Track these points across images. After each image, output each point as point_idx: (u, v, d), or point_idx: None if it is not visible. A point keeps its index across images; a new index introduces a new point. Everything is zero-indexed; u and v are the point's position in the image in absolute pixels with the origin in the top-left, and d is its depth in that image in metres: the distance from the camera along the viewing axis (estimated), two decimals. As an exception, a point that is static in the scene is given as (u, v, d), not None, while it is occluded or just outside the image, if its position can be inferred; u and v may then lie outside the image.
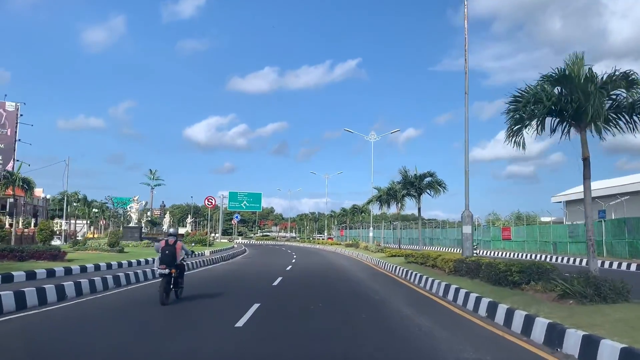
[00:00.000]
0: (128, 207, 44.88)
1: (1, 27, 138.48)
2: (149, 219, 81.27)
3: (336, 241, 72.21)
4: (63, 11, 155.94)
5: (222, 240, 72.38)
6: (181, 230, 76.44)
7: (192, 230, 66.45)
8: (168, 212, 76.22)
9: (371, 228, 42.69)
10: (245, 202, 71.39)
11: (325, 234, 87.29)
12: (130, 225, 41.22)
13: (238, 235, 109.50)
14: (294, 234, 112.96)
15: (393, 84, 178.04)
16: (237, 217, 68.52)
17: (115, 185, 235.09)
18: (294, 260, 31.81)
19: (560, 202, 65.14)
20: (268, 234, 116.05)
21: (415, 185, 26.44)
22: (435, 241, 62.21)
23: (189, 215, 79.92)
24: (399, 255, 28.00)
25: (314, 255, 40.87)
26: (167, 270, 10.47)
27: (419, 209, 26.42)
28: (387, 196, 31.28)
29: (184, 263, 11.83)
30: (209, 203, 33.31)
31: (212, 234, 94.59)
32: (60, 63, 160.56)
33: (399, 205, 30.35)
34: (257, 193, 72.04)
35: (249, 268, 24.64)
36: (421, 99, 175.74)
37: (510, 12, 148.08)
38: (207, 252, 32.17)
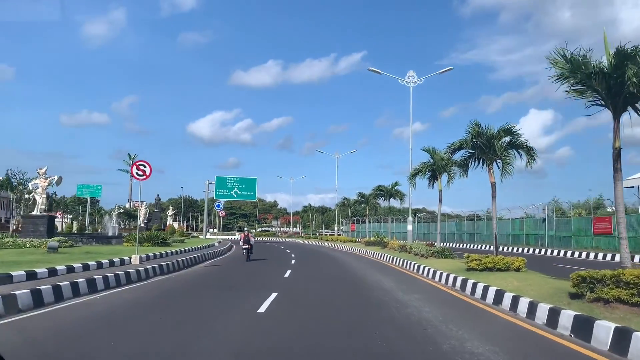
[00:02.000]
0: (30, 184, 29.02)
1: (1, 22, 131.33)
2: (122, 210, 67.01)
3: (349, 238, 57.09)
4: (62, 4, 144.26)
5: (208, 237, 58.60)
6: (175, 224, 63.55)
7: (167, 225, 52.27)
8: (144, 204, 62.03)
9: (410, 218, 27.33)
10: (236, 189, 55.35)
11: (336, 228, 71.87)
12: (34, 213, 25.15)
13: (237, 231, 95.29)
14: (297, 229, 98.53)
15: (399, 77, 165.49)
16: (218, 206, 53.37)
17: (116, 180, 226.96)
18: (287, 274, 17.42)
19: (633, 187, 51.51)
20: (268, 229, 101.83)
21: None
22: (477, 237, 48.01)
23: (170, 208, 65.54)
24: (501, 269, 13.36)
25: (324, 260, 26.44)
26: (246, 246, 23.78)
27: (617, 151, 9.55)
28: (471, 148, 15.60)
29: (252, 243, 24.75)
30: (140, 173, 18.77)
31: (211, 229, 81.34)
32: (62, 58, 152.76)
33: (494, 165, 14.78)
34: (251, 178, 56.04)
35: (186, 305, 10.29)
36: (427, 93, 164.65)
37: (517, 3, 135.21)
38: (133, 258, 17.69)
